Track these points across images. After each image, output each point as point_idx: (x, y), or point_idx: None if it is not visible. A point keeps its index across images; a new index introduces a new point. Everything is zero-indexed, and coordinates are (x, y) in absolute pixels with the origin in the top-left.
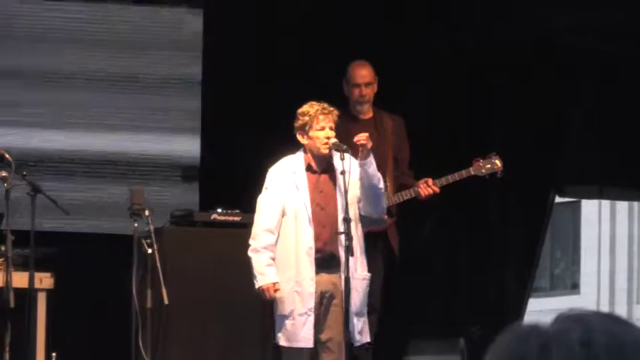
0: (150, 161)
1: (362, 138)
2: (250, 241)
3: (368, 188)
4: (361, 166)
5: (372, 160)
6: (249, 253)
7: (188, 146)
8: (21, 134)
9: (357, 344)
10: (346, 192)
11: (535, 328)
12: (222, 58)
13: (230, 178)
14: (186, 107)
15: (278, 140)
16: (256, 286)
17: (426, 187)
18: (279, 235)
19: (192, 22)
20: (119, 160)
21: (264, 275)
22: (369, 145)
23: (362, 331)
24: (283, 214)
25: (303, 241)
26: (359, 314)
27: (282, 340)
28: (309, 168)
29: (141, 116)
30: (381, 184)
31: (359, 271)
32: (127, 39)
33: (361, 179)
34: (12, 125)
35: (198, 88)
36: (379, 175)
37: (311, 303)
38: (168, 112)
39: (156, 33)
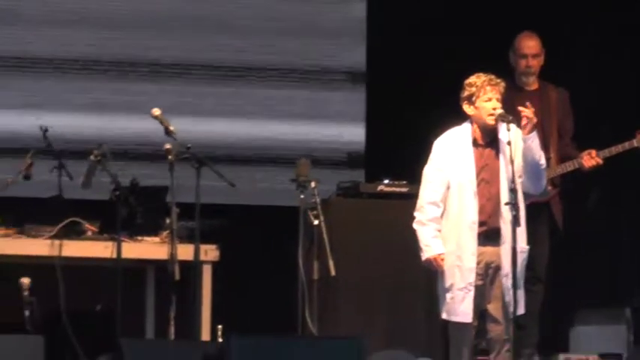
0: (317, 148)
1: (527, 113)
2: (415, 214)
3: (529, 163)
4: (524, 140)
5: (535, 135)
6: (415, 225)
7: (353, 135)
8: (195, 123)
9: (518, 314)
10: (512, 162)
11: None
12: (386, 38)
13: (396, 150)
14: (352, 96)
15: (444, 112)
16: (423, 258)
17: (590, 159)
18: (444, 208)
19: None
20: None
21: (430, 247)
22: (534, 120)
23: (519, 304)
24: (448, 187)
25: (466, 215)
26: (518, 286)
27: (443, 313)
28: (474, 142)
29: (307, 105)
30: (543, 161)
31: (520, 243)
32: (292, 28)
33: (524, 154)
34: (193, 114)
35: (363, 77)
36: (541, 152)
37: (471, 278)
38: (332, 101)
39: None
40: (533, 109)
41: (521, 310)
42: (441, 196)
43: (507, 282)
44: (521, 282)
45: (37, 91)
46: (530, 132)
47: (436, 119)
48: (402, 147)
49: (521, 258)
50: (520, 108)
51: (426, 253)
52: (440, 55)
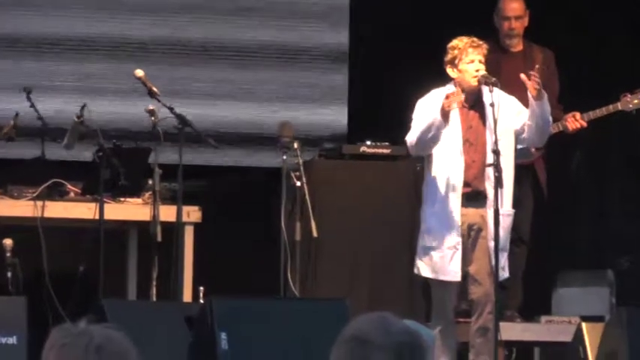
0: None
1: (532, 83)
2: (407, 137)
3: (542, 124)
4: (539, 106)
5: (546, 99)
6: (409, 144)
7: (336, 115)
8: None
9: (500, 279)
10: (495, 124)
11: None
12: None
13: (378, 112)
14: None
15: (427, 76)
16: (439, 115)
17: (574, 121)
18: (429, 164)
19: None
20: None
21: (434, 108)
22: (539, 85)
23: (504, 267)
24: None
25: (452, 175)
26: (502, 249)
27: (427, 272)
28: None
29: (289, 86)
30: (551, 117)
31: (505, 206)
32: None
33: (536, 116)
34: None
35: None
36: (549, 108)
37: (459, 237)
38: (315, 83)
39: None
40: (537, 78)
41: (505, 274)
42: None
43: (493, 245)
44: (507, 245)
45: (22, 70)
46: (539, 97)
47: (419, 84)
48: (384, 109)
49: (508, 221)
50: (523, 78)
51: (436, 111)
52: (424, 20)
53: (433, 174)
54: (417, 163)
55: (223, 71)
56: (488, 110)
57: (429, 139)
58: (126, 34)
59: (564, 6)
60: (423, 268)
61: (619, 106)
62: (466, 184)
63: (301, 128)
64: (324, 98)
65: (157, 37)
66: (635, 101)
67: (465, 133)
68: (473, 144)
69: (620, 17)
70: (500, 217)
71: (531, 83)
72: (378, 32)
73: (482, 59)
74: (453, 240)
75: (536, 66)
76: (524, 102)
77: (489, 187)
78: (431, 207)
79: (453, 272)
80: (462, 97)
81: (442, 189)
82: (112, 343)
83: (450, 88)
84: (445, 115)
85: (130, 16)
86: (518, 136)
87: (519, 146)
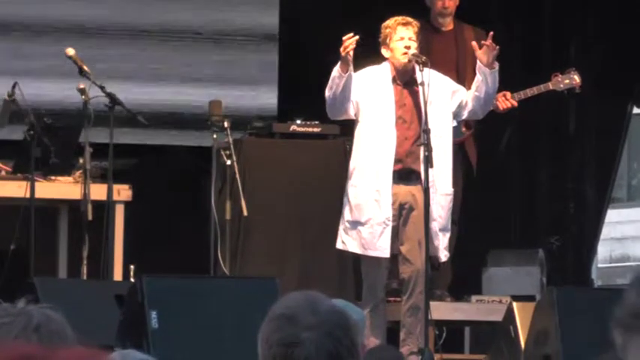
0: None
1: (491, 50)
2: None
3: (489, 94)
4: (491, 75)
5: (497, 69)
6: (327, 107)
7: (266, 96)
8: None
9: (444, 260)
10: (425, 103)
11: None
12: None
13: (309, 89)
14: (264, 58)
15: (358, 56)
16: (337, 70)
17: (505, 101)
18: (359, 139)
19: None
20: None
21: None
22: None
23: (446, 247)
24: (356, 108)
25: (384, 151)
26: (444, 230)
27: (354, 247)
28: (393, 80)
29: (219, 68)
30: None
31: (444, 187)
32: None
33: (486, 86)
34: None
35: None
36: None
37: (389, 212)
38: (245, 64)
39: None
40: (494, 46)
41: (443, 257)
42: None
43: (436, 226)
44: (449, 226)
45: None
46: (493, 66)
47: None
48: (314, 88)
49: (448, 200)
50: (474, 45)
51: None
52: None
53: (364, 149)
54: (347, 142)
55: (154, 53)
56: (420, 89)
57: (337, 93)
58: (59, 15)
59: None
60: (350, 243)
61: (550, 85)
62: (397, 160)
63: (232, 109)
64: (254, 79)
65: (91, 19)
66: (567, 81)
67: (397, 111)
68: (406, 121)
69: None
70: (441, 197)
71: (485, 49)
72: (309, 12)
73: (414, 37)
74: (383, 216)
75: (491, 33)
76: (456, 81)
77: (422, 166)
78: (360, 182)
79: (382, 248)
80: (357, 37)
81: (373, 164)
82: (50, 323)
83: (385, 66)
84: (344, 61)
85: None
86: (460, 111)
87: (454, 123)
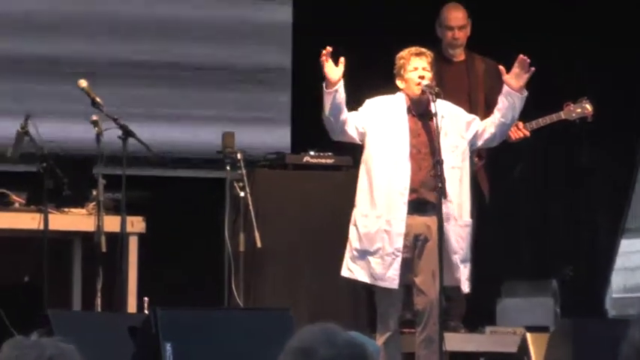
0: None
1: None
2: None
3: (512, 120)
4: (520, 99)
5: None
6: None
7: (279, 135)
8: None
9: (467, 291)
10: (438, 134)
11: None
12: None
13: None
14: (277, 98)
15: (370, 88)
16: (323, 87)
17: (517, 131)
18: (370, 168)
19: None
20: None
21: None
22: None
23: (468, 278)
24: (363, 134)
25: (397, 181)
26: (465, 261)
27: (363, 276)
28: (408, 110)
29: (232, 107)
30: None
31: (463, 217)
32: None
33: (512, 110)
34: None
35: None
36: None
37: (399, 243)
38: (258, 103)
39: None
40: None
41: (466, 288)
42: (357, 118)
43: (457, 258)
44: (469, 257)
45: None
46: (523, 91)
47: (362, 95)
48: None
49: (467, 232)
50: (502, 69)
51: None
52: (367, 34)
53: (379, 178)
54: None
55: (166, 90)
56: (434, 120)
57: (328, 111)
58: (69, 54)
59: (505, 16)
60: (358, 272)
61: (562, 115)
62: (412, 191)
63: (245, 145)
64: (267, 117)
65: (101, 57)
66: (578, 110)
67: (412, 141)
68: (420, 152)
69: (564, 23)
70: (460, 228)
71: (514, 74)
72: (320, 47)
73: (428, 67)
74: (393, 246)
75: (526, 58)
76: (468, 112)
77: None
78: (370, 211)
79: (390, 279)
80: (329, 48)
81: (385, 194)
82: (63, 356)
83: (399, 96)
84: (326, 76)
85: (74, 36)
86: (475, 141)
87: (485, 143)
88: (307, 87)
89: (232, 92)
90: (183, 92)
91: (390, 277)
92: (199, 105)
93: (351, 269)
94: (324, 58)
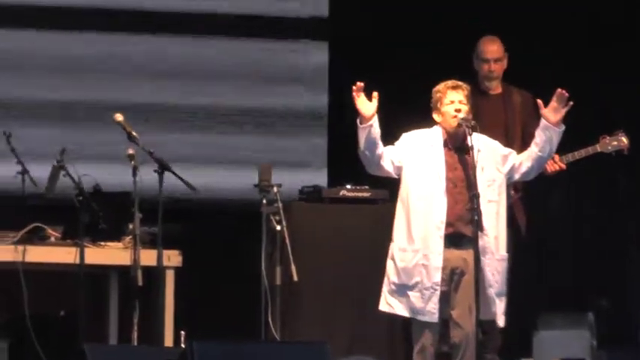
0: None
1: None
2: None
3: (550, 153)
4: (557, 134)
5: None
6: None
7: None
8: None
9: (502, 325)
10: (474, 168)
11: None
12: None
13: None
14: (313, 141)
15: (406, 124)
16: (357, 122)
17: (553, 164)
18: (407, 202)
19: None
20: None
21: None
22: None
23: (504, 312)
24: (399, 168)
25: (434, 215)
26: (500, 294)
27: (402, 311)
28: (445, 143)
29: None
30: None
31: (500, 251)
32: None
33: (554, 143)
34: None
35: (325, 118)
36: None
37: (437, 277)
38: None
39: (279, 66)
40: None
41: (501, 322)
42: (393, 152)
43: (492, 292)
44: (504, 290)
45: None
46: (561, 126)
47: (397, 130)
48: None
49: (503, 265)
50: (540, 103)
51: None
52: (403, 70)
53: (413, 212)
54: None
55: (200, 135)
56: (471, 153)
57: (363, 145)
58: (108, 97)
59: (541, 49)
60: (397, 306)
61: (598, 148)
62: (449, 225)
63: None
64: (304, 160)
65: (136, 102)
66: (614, 143)
67: (449, 174)
68: (457, 185)
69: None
70: (496, 262)
71: (552, 108)
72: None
73: (464, 100)
74: (431, 280)
75: (563, 92)
76: (504, 145)
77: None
78: (408, 245)
79: (430, 313)
80: (360, 84)
81: (422, 228)
82: None
83: (436, 130)
84: (359, 112)
85: (116, 80)
86: (512, 174)
87: (521, 177)
88: (345, 126)
89: (269, 135)
90: (220, 136)
91: (430, 310)
92: (235, 148)
93: (390, 303)
94: (355, 93)
